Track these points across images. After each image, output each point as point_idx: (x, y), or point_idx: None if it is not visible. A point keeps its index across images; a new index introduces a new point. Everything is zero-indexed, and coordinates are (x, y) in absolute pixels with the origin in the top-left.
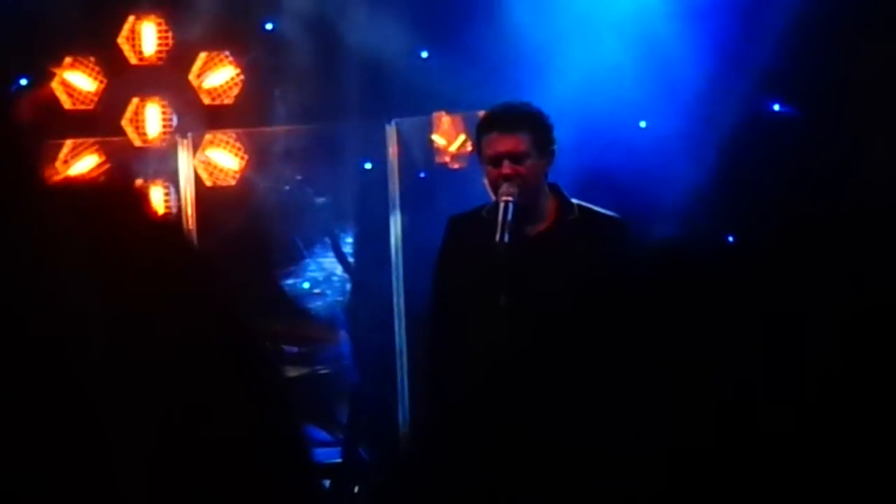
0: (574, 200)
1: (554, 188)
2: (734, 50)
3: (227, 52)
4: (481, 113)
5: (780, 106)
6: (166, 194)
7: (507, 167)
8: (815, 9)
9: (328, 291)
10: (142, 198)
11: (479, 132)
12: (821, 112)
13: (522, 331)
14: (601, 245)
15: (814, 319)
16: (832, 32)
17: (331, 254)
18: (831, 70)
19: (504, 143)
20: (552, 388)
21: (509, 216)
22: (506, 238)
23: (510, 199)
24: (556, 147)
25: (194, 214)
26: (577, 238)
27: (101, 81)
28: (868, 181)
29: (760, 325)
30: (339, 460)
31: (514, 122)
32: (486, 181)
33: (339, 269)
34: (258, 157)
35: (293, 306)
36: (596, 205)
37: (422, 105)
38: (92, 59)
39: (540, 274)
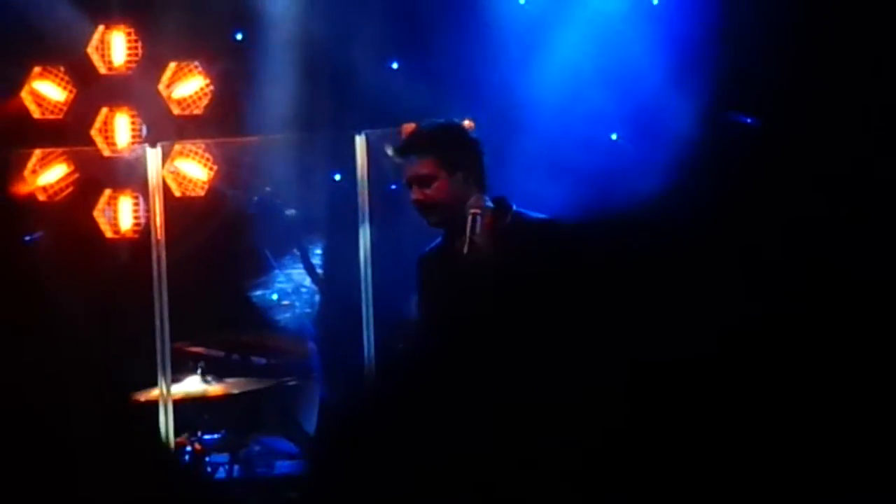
0: (514, 208)
1: (498, 201)
2: (694, 55)
3: (196, 63)
4: None
5: (741, 115)
6: (135, 204)
7: (416, 192)
8: (778, 14)
9: (297, 303)
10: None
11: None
12: (782, 118)
13: (448, 335)
14: (529, 245)
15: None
16: (794, 38)
17: (300, 265)
18: (792, 76)
19: (410, 170)
20: (488, 381)
21: (477, 229)
22: (465, 249)
23: (478, 211)
24: (476, 157)
25: (163, 225)
26: (506, 242)
27: (70, 91)
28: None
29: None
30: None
31: (416, 148)
32: None
33: (307, 281)
34: (227, 167)
35: (261, 317)
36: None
37: (392, 116)
38: (61, 68)
39: (468, 280)
